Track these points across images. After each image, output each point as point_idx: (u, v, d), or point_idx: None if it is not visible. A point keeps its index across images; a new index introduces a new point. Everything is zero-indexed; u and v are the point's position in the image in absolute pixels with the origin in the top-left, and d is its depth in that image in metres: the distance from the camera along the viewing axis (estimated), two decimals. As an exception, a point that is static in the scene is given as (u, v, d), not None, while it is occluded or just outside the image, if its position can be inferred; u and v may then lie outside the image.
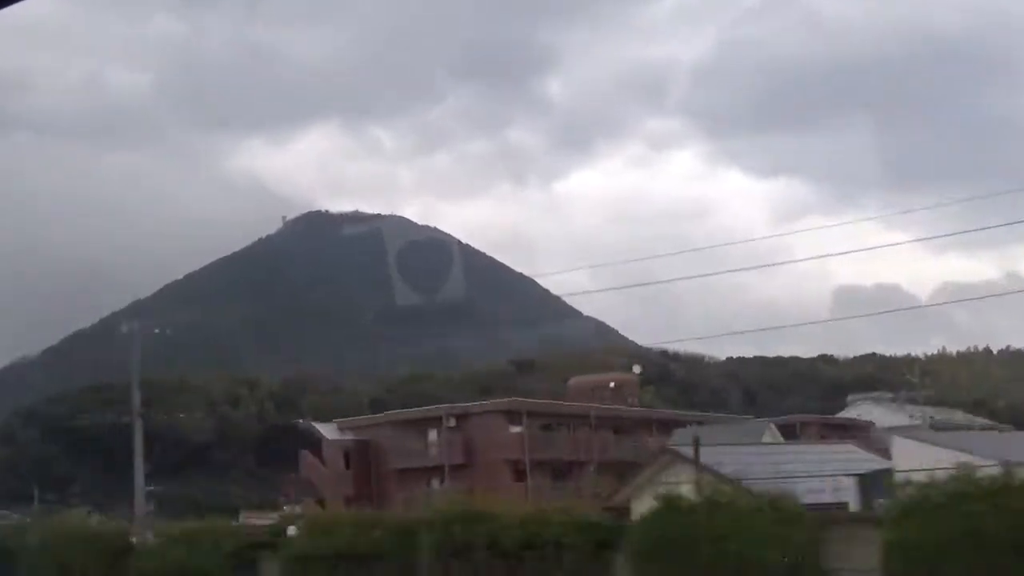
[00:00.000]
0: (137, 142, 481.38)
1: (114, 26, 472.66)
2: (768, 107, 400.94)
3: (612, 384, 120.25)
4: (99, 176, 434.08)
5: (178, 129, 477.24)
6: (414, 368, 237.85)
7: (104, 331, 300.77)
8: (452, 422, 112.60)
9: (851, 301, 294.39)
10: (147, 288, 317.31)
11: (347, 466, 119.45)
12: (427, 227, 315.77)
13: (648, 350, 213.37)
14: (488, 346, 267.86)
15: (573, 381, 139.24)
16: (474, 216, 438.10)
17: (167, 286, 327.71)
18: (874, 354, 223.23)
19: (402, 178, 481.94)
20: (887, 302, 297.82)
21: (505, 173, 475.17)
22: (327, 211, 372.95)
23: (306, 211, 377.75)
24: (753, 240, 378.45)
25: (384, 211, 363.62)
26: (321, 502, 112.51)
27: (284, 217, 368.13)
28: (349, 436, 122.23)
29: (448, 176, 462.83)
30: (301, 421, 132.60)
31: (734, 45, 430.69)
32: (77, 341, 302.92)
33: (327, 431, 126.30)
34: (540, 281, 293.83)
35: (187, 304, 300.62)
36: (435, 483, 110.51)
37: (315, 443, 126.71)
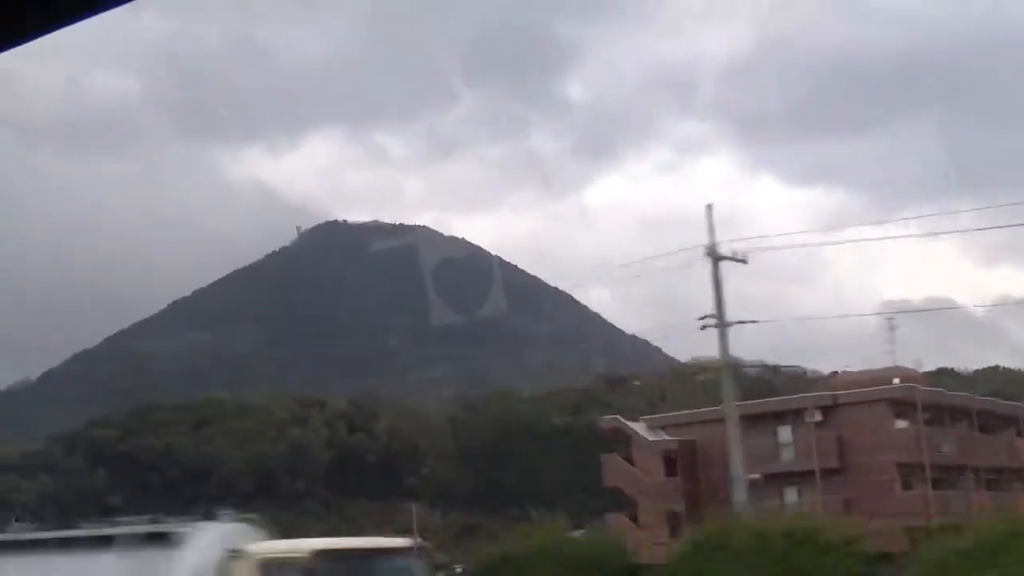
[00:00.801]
0: (126, 150, 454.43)
1: (100, 29, 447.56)
2: (808, 108, 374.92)
3: (897, 380, 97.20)
4: (91, 186, 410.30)
5: (168, 136, 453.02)
6: (459, 386, 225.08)
7: (110, 352, 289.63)
8: (817, 416, 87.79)
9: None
10: (152, 306, 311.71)
11: (670, 473, 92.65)
12: (460, 240, 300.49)
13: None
14: (525, 366, 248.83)
15: (841, 377, 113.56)
16: (495, 226, 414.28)
17: (175, 303, 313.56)
18: None
19: (414, 186, 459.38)
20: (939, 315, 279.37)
21: (524, 180, 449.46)
22: (345, 221, 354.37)
23: (322, 221, 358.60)
24: (788, 248, 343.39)
25: (403, 220, 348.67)
26: (634, 518, 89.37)
27: (298, 228, 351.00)
28: (664, 436, 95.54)
29: (464, 184, 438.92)
30: (607, 418, 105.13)
31: (771, 39, 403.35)
32: (81, 363, 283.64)
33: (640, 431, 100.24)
34: (578, 296, 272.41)
35: (198, 322, 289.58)
36: (790, 494, 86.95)
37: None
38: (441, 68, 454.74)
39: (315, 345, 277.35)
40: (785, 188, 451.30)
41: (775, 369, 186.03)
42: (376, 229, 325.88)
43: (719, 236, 57.97)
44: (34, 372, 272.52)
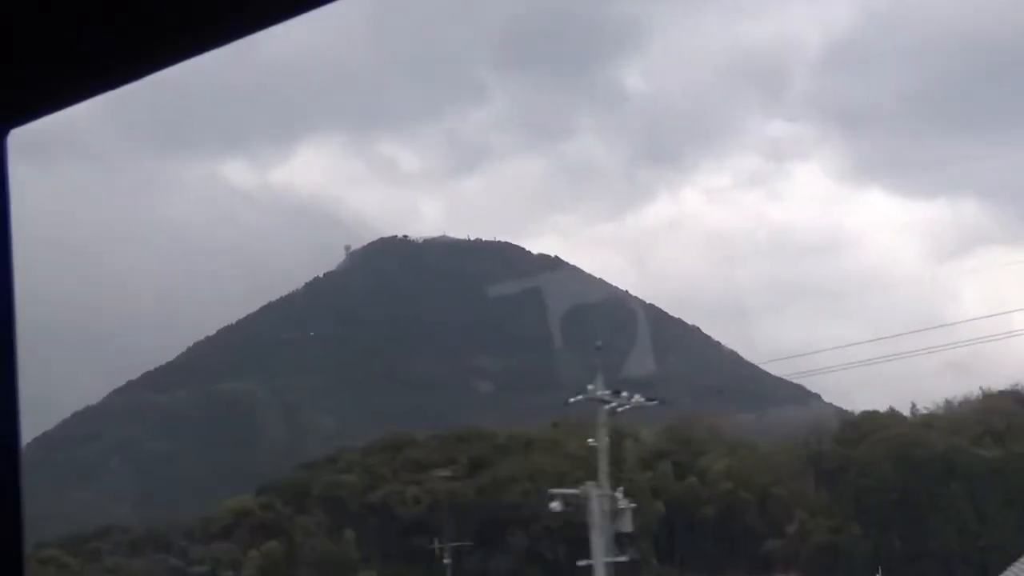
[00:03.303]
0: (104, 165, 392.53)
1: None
2: (928, 101, 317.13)
3: None
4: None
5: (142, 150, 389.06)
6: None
7: (107, 407, 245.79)
8: None
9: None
10: (189, 336, 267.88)
11: None
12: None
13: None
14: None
15: None
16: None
17: (195, 347, 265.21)
18: None
19: (435, 198, 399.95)
20: None
21: (567, 196, 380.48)
22: (406, 237, 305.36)
23: (375, 238, 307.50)
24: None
25: (477, 235, 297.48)
26: None
27: (347, 247, 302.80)
28: None
29: (489, 201, 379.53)
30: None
31: (880, 17, 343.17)
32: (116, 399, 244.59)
33: None
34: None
35: (228, 367, 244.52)
36: None
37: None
38: (465, 58, 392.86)
39: (382, 389, 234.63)
40: (899, 201, 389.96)
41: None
42: (442, 244, 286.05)
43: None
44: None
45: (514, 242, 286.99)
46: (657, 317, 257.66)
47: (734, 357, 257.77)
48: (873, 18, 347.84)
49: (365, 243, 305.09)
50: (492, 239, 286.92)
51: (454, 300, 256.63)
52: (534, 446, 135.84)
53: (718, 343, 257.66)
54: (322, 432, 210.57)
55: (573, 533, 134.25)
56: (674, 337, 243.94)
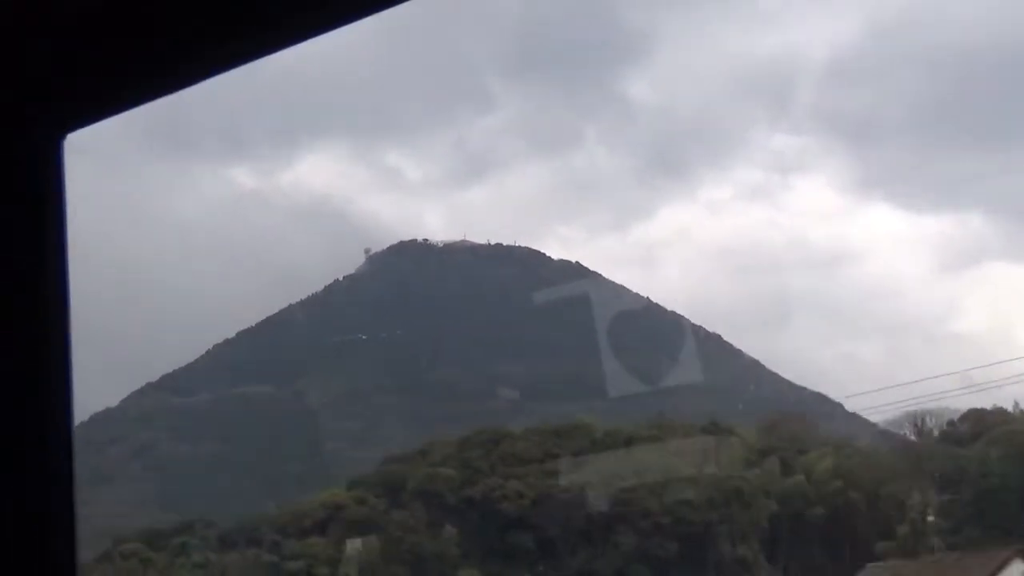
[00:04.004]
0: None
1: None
2: (935, 114, 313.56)
3: None
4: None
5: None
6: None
7: (124, 411, 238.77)
8: None
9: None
10: (183, 354, 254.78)
11: None
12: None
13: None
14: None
15: None
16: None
17: (215, 349, 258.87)
18: None
19: (441, 205, 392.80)
20: None
21: (571, 207, 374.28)
22: (425, 241, 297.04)
23: (396, 242, 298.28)
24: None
25: (498, 239, 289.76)
26: None
27: (367, 250, 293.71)
28: None
29: (491, 210, 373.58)
30: None
31: (887, 28, 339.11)
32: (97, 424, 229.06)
33: None
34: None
35: (246, 371, 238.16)
36: None
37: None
38: (473, 67, 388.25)
39: (407, 394, 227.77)
40: (906, 215, 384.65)
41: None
42: (468, 251, 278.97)
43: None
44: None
45: (535, 248, 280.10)
46: (682, 326, 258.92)
47: (757, 366, 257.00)
48: (880, 30, 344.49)
49: (384, 247, 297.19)
50: (513, 243, 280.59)
51: (477, 305, 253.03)
52: (636, 442, 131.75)
53: (740, 351, 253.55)
54: (346, 437, 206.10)
55: (685, 530, 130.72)
56: (697, 345, 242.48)
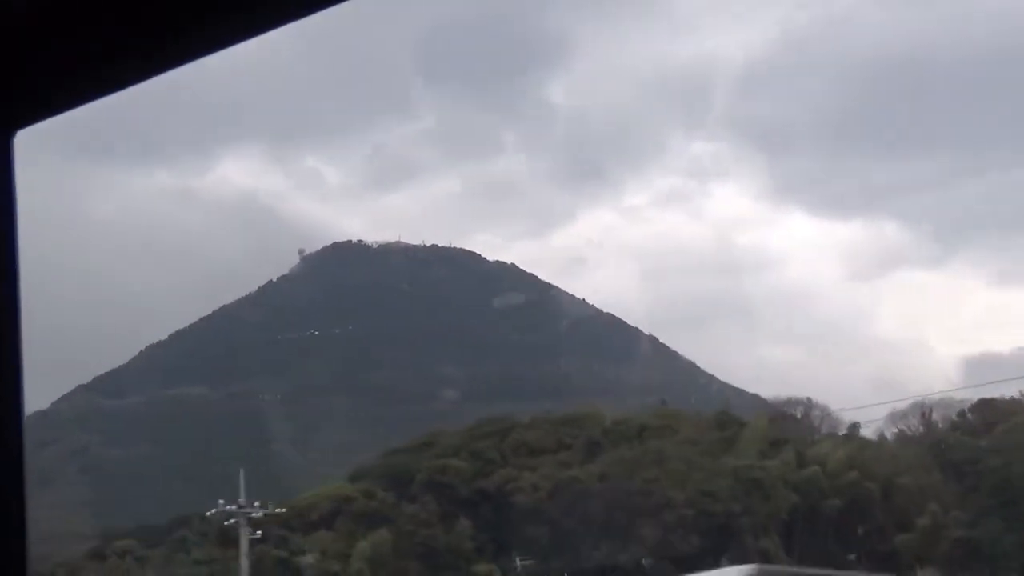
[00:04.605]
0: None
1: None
2: (847, 121, 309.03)
3: None
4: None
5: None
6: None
7: (57, 414, 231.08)
8: None
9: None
10: (117, 356, 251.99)
11: None
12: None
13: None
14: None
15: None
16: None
17: (148, 350, 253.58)
18: None
19: (359, 210, 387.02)
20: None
21: (491, 212, 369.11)
22: (360, 242, 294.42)
23: (331, 243, 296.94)
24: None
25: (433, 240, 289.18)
26: None
27: (301, 251, 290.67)
28: None
29: (414, 216, 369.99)
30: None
31: (800, 36, 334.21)
32: (29, 427, 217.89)
33: None
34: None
35: (184, 373, 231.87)
36: None
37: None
38: (392, 72, 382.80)
39: (345, 394, 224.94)
40: (818, 221, 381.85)
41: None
42: (403, 252, 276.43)
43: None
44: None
45: (470, 249, 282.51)
46: (622, 328, 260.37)
47: (694, 368, 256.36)
48: (794, 38, 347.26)
49: (318, 248, 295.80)
50: (448, 245, 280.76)
51: (416, 305, 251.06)
52: (648, 431, 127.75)
53: (676, 353, 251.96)
54: (284, 437, 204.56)
55: (708, 523, 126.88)
56: (632, 345, 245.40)
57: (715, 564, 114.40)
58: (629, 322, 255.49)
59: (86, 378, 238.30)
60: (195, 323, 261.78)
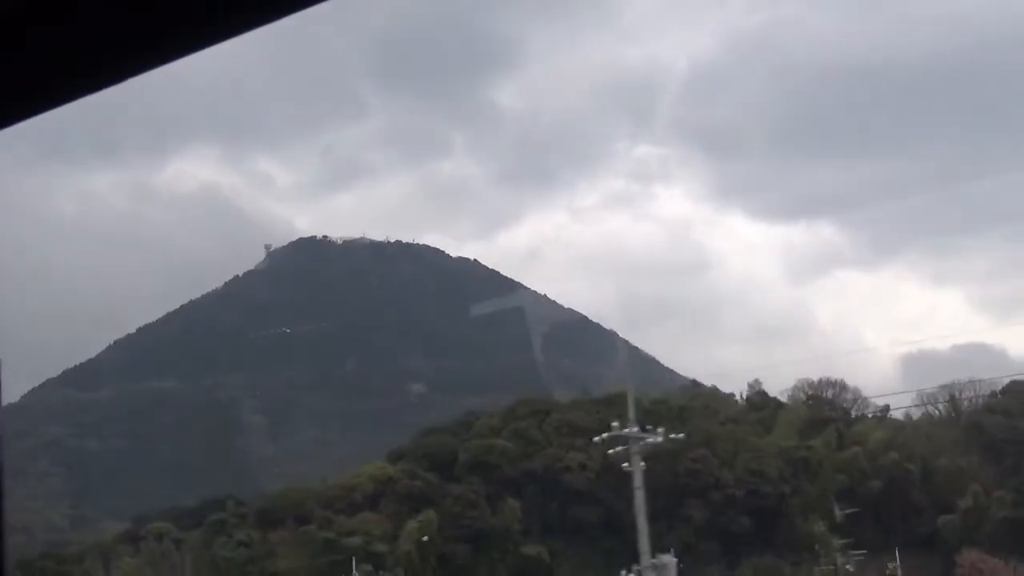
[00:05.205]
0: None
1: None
2: (788, 127, 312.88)
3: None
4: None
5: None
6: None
7: (27, 407, 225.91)
8: None
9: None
10: (85, 349, 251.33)
11: None
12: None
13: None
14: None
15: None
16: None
17: (117, 344, 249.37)
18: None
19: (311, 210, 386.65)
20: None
21: (440, 214, 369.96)
22: (326, 237, 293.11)
23: (296, 238, 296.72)
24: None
25: (397, 236, 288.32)
26: None
27: (267, 246, 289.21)
28: None
29: (362, 217, 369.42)
30: None
31: (743, 43, 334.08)
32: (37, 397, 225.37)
33: None
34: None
35: (152, 366, 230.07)
36: None
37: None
38: (344, 75, 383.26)
39: (314, 386, 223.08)
40: (758, 224, 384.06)
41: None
42: (359, 245, 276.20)
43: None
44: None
45: (434, 245, 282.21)
46: (584, 323, 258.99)
47: (654, 362, 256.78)
48: (737, 46, 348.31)
49: (284, 243, 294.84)
50: (412, 241, 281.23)
51: (382, 300, 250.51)
52: (687, 412, 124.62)
53: (637, 347, 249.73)
54: (254, 430, 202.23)
55: (756, 503, 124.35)
56: (593, 339, 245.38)
57: (766, 548, 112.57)
58: (591, 317, 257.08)
59: (55, 371, 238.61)
60: (162, 317, 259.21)
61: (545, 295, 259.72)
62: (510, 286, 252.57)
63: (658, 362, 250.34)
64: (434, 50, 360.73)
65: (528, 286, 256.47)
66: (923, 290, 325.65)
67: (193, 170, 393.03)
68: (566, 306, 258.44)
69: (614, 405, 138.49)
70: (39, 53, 3.67)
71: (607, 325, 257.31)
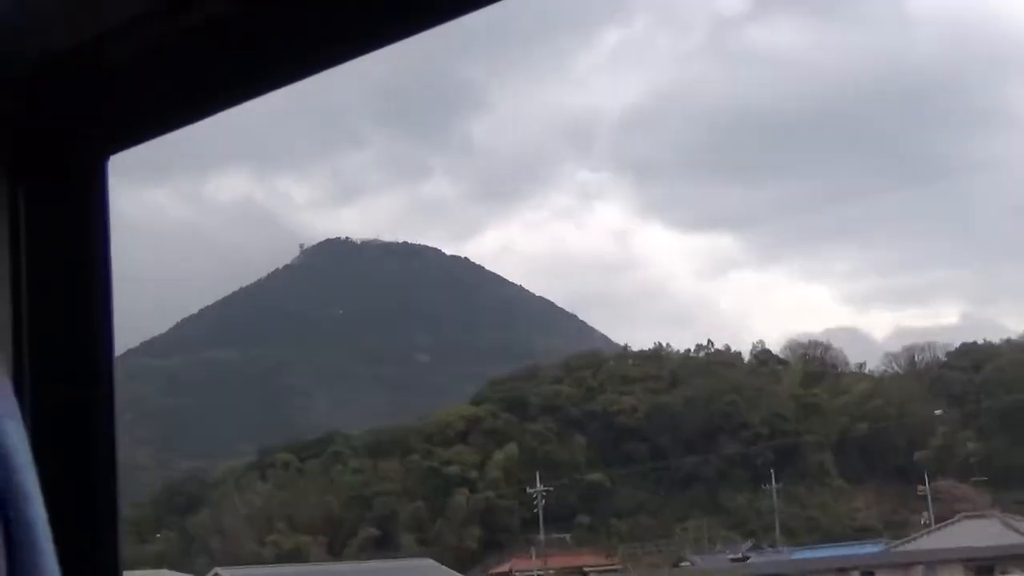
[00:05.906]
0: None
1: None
2: (697, 158, 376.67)
3: None
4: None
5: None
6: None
7: (142, 354, 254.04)
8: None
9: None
10: (159, 325, 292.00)
11: None
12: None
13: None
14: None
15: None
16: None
17: (183, 322, 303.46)
18: None
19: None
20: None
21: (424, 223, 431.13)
22: (348, 238, 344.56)
23: (324, 239, 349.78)
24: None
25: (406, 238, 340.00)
26: None
27: (302, 245, 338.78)
28: None
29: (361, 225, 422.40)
30: None
31: (665, 93, 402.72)
32: (120, 364, 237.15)
33: None
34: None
35: (225, 330, 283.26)
36: None
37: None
38: (347, 114, 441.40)
39: (342, 356, 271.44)
40: (673, 233, 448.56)
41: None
42: (380, 246, 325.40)
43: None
44: None
45: (432, 246, 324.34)
46: (553, 309, 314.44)
47: (606, 340, 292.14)
48: (659, 93, 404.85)
49: (315, 243, 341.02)
50: (416, 243, 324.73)
51: (394, 288, 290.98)
52: (713, 366, 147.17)
53: (593, 329, 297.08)
54: (296, 390, 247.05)
55: (780, 442, 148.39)
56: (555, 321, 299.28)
57: (780, 475, 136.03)
58: (557, 303, 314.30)
59: (134, 343, 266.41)
60: (219, 300, 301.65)
61: (520, 285, 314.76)
62: (494, 279, 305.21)
63: (608, 339, 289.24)
64: (421, 94, 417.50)
65: (506, 278, 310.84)
66: (796, 286, 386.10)
67: (232, 184, 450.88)
68: (536, 293, 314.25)
69: (651, 360, 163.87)
70: (164, 76, 3.90)
71: (570, 310, 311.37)
